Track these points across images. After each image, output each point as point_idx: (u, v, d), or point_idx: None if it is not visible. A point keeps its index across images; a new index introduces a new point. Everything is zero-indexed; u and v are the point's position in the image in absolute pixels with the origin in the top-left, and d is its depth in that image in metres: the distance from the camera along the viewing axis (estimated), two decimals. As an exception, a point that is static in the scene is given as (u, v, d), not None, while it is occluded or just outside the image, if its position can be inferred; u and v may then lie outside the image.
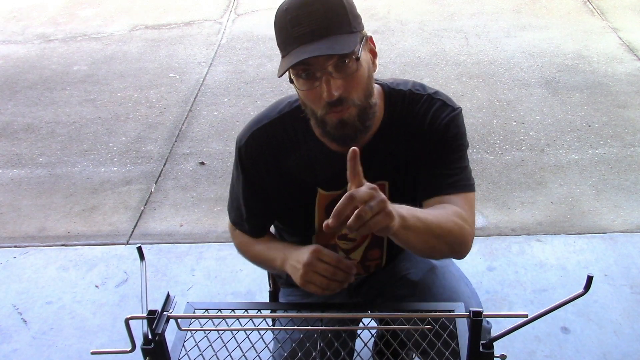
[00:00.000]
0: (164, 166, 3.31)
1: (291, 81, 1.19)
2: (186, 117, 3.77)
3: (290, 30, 1.13)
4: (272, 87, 4.00)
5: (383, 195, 0.98)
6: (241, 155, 1.36)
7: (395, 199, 1.34)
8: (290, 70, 1.16)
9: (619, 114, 3.49)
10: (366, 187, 0.98)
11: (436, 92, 1.34)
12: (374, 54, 1.24)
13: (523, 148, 3.24)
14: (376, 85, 1.31)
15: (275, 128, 1.32)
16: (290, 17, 1.13)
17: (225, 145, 3.43)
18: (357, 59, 1.15)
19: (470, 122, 3.44)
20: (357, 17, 1.18)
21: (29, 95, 4.18)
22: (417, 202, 1.45)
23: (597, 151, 3.18)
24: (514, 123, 3.47)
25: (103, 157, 3.42)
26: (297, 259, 1.25)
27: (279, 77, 1.17)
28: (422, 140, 1.30)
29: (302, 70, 1.15)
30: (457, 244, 1.22)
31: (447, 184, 1.29)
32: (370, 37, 1.22)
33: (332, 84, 1.14)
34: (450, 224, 1.20)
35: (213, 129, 3.63)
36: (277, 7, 1.19)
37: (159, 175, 3.23)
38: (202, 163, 3.30)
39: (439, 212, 1.22)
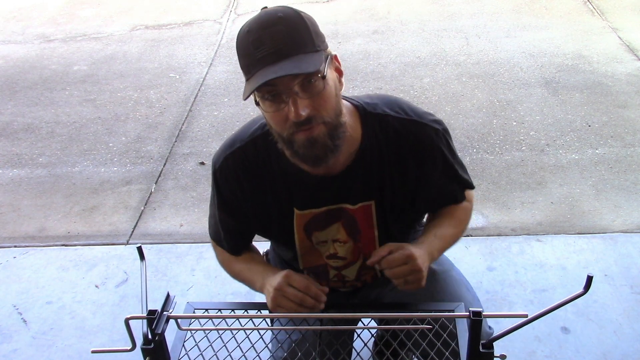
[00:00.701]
0: (164, 166, 3.31)
1: (257, 104, 1.17)
2: (186, 117, 3.77)
3: (254, 51, 1.10)
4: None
5: (418, 266, 1.23)
6: (216, 179, 1.36)
7: (381, 217, 1.36)
8: (256, 92, 1.13)
9: (619, 114, 3.49)
10: (401, 256, 1.23)
11: (415, 112, 1.32)
12: (339, 72, 1.22)
13: (523, 148, 3.24)
14: (350, 105, 1.29)
15: (247, 152, 1.31)
16: (253, 39, 1.11)
17: (225, 145, 3.44)
18: (323, 77, 1.12)
19: (470, 122, 3.44)
20: (320, 36, 1.16)
21: (29, 95, 4.18)
22: (413, 219, 1.48)
23: (597, 151, 3.18)
24: (514, 123, 3.47)
25: (103, 157, 3.42)
26: (271, 283, 1.28)
27: (244, 100, 1.14)
28: (411, 161, 1.31)
29: (267, 92, 1.12)
30: (466, 228, 1.48)
31: (454, 194, 1.44)
32: (335, 56, 1.20)
33: (299, 104, 1.11)
34: (464, 223, 1.46)
35: (213, 129, 3.63)
36: (239, 28, 1.16)
37: (159, 175, 3.23)
38: (202, 163, 3.30)
39: (452, 220, 1.43)
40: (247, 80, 1.15)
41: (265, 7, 1.17)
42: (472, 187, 1.47)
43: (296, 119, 1.12)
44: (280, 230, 1.39)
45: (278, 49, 1.09)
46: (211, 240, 1.53)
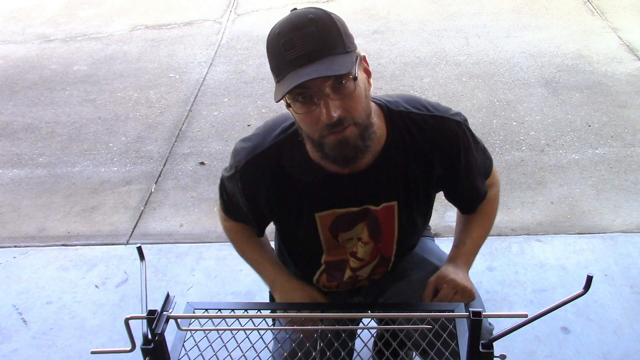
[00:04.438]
0: (164, 166, 3.31)
1: (288, 106, 1.18)
2: (186, 117, 3.77)
3: (284, 53, 1.11)
4: (272, 87, 3.96)
5: (466, 288, 1.36)
6: (236, 184, 1.35)
7: (403, 219, 1.37)
8: (287, 95, 1.14)
9: (619, 114, 3.49)
10: (449, 291, 1.36)
11: (437, 108, 1.34)
12: (368, 73, 1.23)
13: (523, 148, 3.24)
14: (373, 104, 1.29)
15: (269, 157, 1.31)
16: (284, 41, 1.11)
17: (225, 145, 3.44)
18: (355, 78, 1.13)
19: (470, 122, 3.41)
20: (350, 37, 1.17)
21: (29, 95, 4.18)
22: (426, 218, 1.52)
23: (597, 151, 3.18)
24: (514, 123, 3.47)
25: (103, 157, 3.42)
26: (284, 297, 1.41)
27: (277, 102, 1.14)
28: (436, 156, 1.32)
29: (298, 94, 1.13)
30: (495, 214, 1.57)
31: (482, 191, 1.48)
32: (364, 57, 1.21)
33: (331, 105, 1.12)
34: (492, 215, 1.55)
35: (213, 129, 3.63)
36: (269, 30, 1.17)
37: (159, 175, 3.23)
38: (202, 163, 3.30)
39: (480, 219, 1.52)
40: (277, 82, 1.16)
41: (295, 9, 1.17)
42: (492, 168, 1.51)
43: (328, 121, 1.12)
44: (304, 232, 1.39)
45: (309, 51, 1.10)
46: (219, 209, 1.53)
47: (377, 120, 1.25)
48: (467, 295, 1.37)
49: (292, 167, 1.30)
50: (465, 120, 1.37)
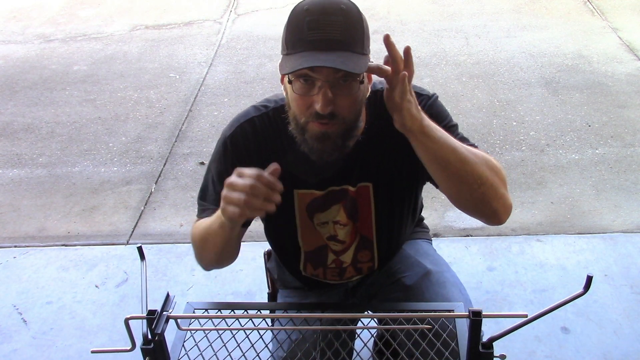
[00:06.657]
0: (164, 166, 3.31)
1: (289, 81, 1.18)
2: (186, 117, 3.77)
3: (307, 32, 1.12)
4: (272, 87, 4.00)
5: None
6: (226, 146, 1.35)
7: (379, 200, 1.36)
8: (293, 72, 1.14)
9: (619, 114, 3.49)
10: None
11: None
12: (370, 78, 1.24)
13: (523, 148, 3.24)
14: None
15: (263, 122, 1.33)
16: (310, 19, 1.12)
17: (225, 145, 3.43)
18: (362, 82, 1.15)
19: (470, 122, 3.44)
20: (369, 40, 1.18)
21: (29, 95, 4.18)
22: (410, 206, 1.45)
23: (597, 151, 3.18)
24: (514, 123, 3.47)
25: (103, 157, 3.42)
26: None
27: (283, 74, 1.15)
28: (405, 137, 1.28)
29: (304, 75, 1.14)
30: (492, 188, 1.18)
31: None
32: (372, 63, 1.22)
33: (329, 98, 1.13)
34: (489, 164, 1.17)
35: (213, 129, 3.63)
36: (296, 4, 1.17)
37: (159, 175, 3.23)
38: (202, 163, 3.30)
39: (479, 154, 1.19)
40: (286, 54, 1.16)
41: None
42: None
43: (321, 111, 1.13)
44: (280, 209, 1.37)
45: (331, 39, 1.11)
46: (192, 227, 1.39)
47: (362, 122, 1.25)
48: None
49: (280, 138, 1.31)
50: (437, 97, 1.32)
